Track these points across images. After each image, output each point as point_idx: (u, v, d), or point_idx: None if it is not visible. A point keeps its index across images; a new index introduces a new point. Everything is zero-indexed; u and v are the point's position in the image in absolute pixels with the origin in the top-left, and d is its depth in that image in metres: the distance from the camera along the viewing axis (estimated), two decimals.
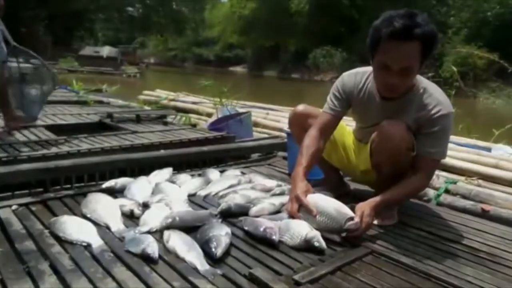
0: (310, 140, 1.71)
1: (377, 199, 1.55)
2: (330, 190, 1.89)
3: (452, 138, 3.54)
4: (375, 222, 1.58)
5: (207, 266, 1.20)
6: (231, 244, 1.35)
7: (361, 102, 1.72)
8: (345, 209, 1.48)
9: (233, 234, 1.42)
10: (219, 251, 1.26)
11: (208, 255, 1.25)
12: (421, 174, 1.60)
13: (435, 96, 1.57)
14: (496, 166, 2.80)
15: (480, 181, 2.68)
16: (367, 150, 1.71)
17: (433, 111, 1.55)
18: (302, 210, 1.53)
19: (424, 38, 1.42)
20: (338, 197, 1.79)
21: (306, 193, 1.56)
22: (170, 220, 1.43)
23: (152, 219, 1.48)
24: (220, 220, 1.55)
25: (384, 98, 1.64)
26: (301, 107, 1.93)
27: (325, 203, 1.52)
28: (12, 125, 2.82)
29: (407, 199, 1.84)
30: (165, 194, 1.75)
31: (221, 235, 1.33)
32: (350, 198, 1.89)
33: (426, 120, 1.56)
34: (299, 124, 1.91)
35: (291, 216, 1.54)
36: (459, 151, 3.11)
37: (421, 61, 1.48)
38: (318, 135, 1.72)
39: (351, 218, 1.44)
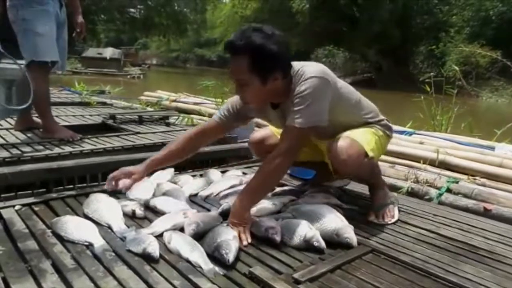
0: (181, 137, 1.79)
1: (235, 204, 1.49)
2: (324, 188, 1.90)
3: (455, 137, 3.52)
4: (374, 220, 1.58)
5: (211, 265, 1.20)
6: None
7: (261, 114, 1.73)
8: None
9: None
10: (231, 257, 1.23)
11: (220, 262, 1.24)
12: (277, 149, 1.48)
13: (302, 77, 1.47)
14: (500, 165, 2.77)
15: (484, 180, 2.67)
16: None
17: (297, 88, 1.47)
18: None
19: (248, 50, 1.38)
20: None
21: (130, 173, 1.69)
22: (194, 226, 1.41)
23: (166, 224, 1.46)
24: (225, 224, 1.51)
25: (272, 106, 1.62)
26: (257, 135, 1.92)
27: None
28: (45, 136, 2.61)
29: (271, 184, 1.69)
30: (167, 195, 1.76)
31: (230, 239, 1.30)
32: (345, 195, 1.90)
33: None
34: (262, 151, 1.88)
35: None
36: (462, 150, 3.09)
37: (259, 74, 1.41)
38: (193, 136, 1.76)
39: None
